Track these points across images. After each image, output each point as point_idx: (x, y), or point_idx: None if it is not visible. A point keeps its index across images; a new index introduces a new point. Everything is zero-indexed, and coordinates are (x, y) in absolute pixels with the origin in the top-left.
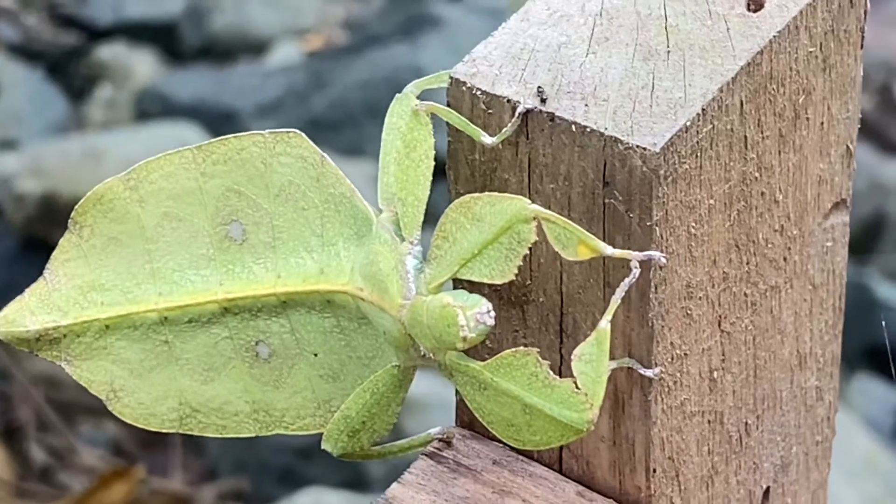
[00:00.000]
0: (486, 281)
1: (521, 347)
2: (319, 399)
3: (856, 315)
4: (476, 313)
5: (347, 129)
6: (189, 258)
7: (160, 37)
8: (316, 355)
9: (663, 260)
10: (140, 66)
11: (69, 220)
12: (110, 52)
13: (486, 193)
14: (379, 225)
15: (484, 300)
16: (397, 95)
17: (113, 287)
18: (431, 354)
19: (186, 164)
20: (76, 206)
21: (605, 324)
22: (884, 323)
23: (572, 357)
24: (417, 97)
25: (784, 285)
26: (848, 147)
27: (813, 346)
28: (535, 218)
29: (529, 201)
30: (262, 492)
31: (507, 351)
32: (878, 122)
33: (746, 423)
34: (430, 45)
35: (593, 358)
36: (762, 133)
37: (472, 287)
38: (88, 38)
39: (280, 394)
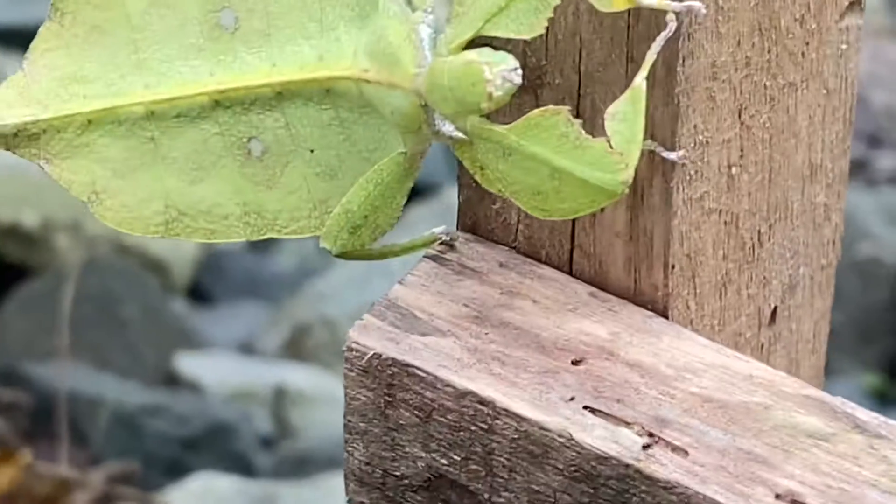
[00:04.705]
0: (513, 36)
1: (550, 106)
2: (315, 199)
3: None
4: (503, 70)
5: None
6: (178, 48)
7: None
8: (312, 151)
9: (703, 11)
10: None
11: (50, 7)
12: None
13: None
14: (386, 0)
15: (511, 57)
16: None
17: (96, 79)
18: (450, 123)
19: None
20: None
21: (640, 80)
22: None
23: (605, 116)
24: None
25: (801, 84)
26: None
27: (823, 158)
28: None
29: None
30: (150, 479)
31: (535, 111)
32: None
33: (759, 231)
34: None
35: (628, 116)
36: None
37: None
38: None
39: (273, 194)
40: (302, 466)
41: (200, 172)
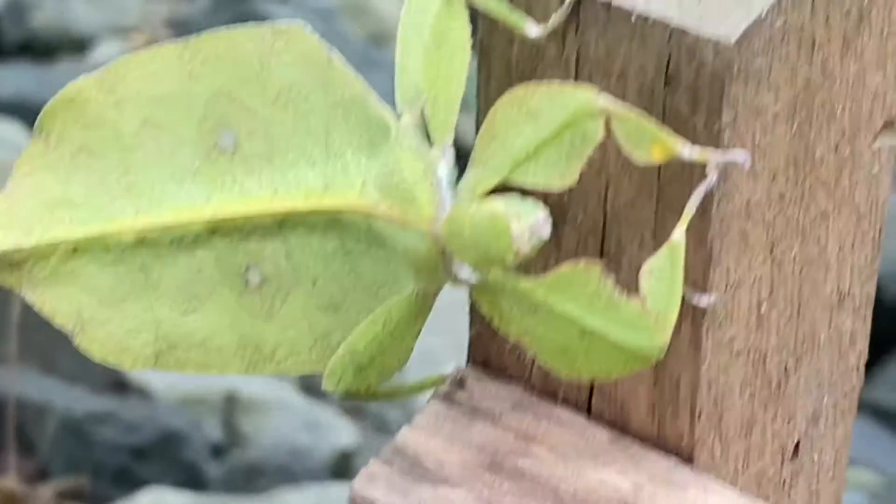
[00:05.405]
0: (541, 186)
1: (583, 260)
2: (317, 333)
3: None
4: (531, 224)
5: None
6: (172, 171)
7: None
8: (314, 283)
9: (748, 163)
10: None
11: (34, 126)
12: None
13: (545, 84)
14: (400, 130)
15: (540, 207)
16: None
17: (84, 203)
18: (469, 272)
19: (171, 63)
20: (43, 109)
21: (678, 235)
22: None
23: (640, 273)
24: None
25: (832, 212)
26: None
27: (852, 284)
28: (603, 113)
29: (597, 93)
30: (99, 492)
31: (566, 265)
32: None
33: (786, 367)
34: None
35: (666, 274)
36: (829, 34)
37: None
38: None
39: (272, 327)
40: (253, 476)
41: (194, 302)
